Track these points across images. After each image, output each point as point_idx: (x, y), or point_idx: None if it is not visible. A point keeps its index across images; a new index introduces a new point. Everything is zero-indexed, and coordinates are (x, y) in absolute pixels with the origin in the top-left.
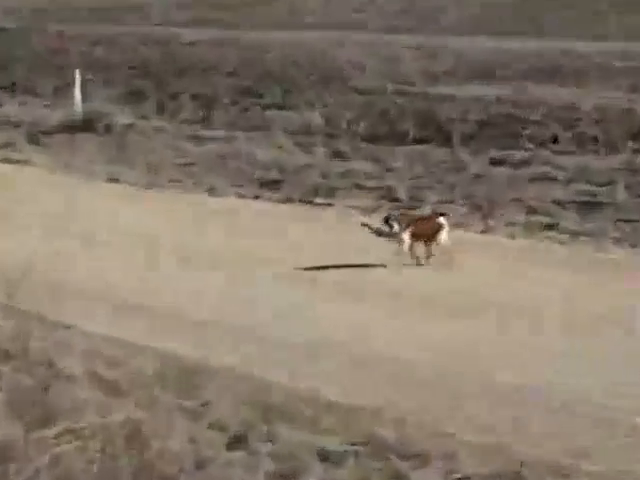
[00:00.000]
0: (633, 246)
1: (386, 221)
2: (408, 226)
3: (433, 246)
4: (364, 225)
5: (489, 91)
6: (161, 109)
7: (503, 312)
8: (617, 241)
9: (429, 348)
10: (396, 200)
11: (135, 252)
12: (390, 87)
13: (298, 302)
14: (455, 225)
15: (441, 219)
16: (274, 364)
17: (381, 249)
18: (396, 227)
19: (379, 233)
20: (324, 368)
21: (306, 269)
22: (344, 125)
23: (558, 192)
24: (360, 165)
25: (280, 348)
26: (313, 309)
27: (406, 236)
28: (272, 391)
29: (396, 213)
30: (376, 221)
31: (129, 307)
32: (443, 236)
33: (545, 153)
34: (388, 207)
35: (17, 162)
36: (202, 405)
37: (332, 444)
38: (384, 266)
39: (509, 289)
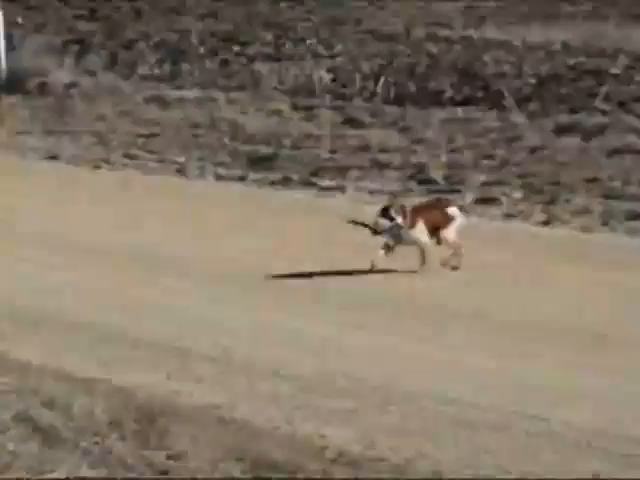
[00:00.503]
0: None
1: (384, 213)
2: (417, 218)
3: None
4: (353, 223)
5: (553, 35)
6: (113, 62)
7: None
8: None
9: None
10: (428, 182)
11: (76, 263)
12: (419, 31)
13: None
14: (507, 215)
15: (453, 209)
16: (263, 401)
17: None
18: (399, 220)
19: (376, 230)
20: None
21: (293, 276)
22: (358, 82)
23: None
24: (380, 135)
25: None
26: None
27: (423, 231)
28: (262, 438)
29: (399, 202)
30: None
31: (70, 326)
32: (451, 232)
33: (627, 118)
34: (418, 192)
35: None
36: (172, 458)
37: None
38: (414, 272)
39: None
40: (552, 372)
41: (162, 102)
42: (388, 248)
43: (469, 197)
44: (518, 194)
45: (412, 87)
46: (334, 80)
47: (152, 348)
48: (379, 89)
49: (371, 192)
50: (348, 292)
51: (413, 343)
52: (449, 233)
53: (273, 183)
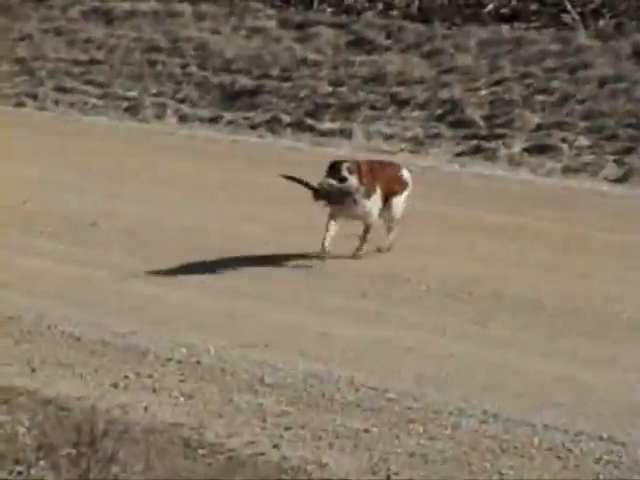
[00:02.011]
0: None
1: (333, 172)
2: (374, 183)
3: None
4: (286, 178)
5: None
6: None
7: None
8: None
9: None
10: (463, 124)
11: None
12: None
13: None
14: (568, 169)
15: (406, 172)
16: (242, 419)
17: None
18: (353, 181)
19: (317, 192)
20: None
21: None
22: None
23: None
24: (398, 62)
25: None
26: None
27: (376, 204)
28: (240, 468)
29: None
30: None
31: None
32: (400, 206)
33: None
34: (449, 137)
35: None
36: None
37: None
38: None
39: None
40: None
41: (107, 16)
42: (317, 194)
43: (518, 145)
44: (583, 141)
45: None
46: None
47: (93, 347)
48: None
49: (387, 137)
50: (344, 272)
51: (444, 339)
52: (398, 207)
53: (255, 127)
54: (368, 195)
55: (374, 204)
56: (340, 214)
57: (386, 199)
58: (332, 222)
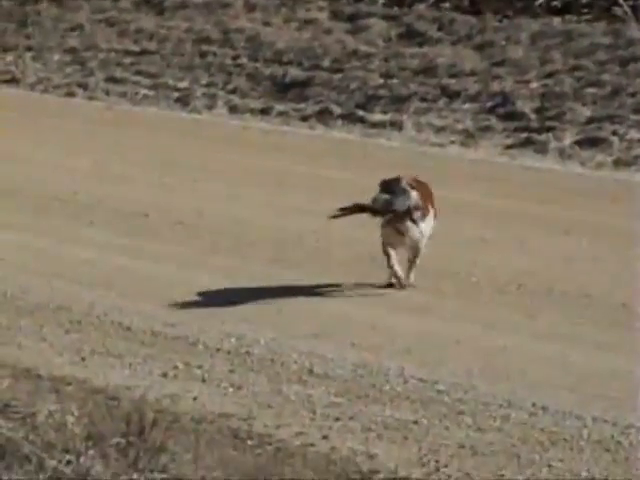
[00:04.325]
0: None
1: (386, 189)
2: (426, 202)
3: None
4: (339, 215)
5: None
6: None
7: None
8: None
9: None
10: (513, 117)
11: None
12: None
13: None
14: (619, 163)
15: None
16: (291, 409)
17: None
18: (414, 197)
19: (377, 211)
20: None
21: None
22: None
23: None
24: (449, 54)
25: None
26: None
27: (429, 226)
28: (289, 459)
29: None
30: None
31: (26, 306)
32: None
33: None
34: (499, 129)
35: None
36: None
37: None
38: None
39: None
40: None
41: (158, 7)
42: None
43: (568, 138)
44: (634, 134)
45: None
46: None
47: (142, 337)
48: None
49: (437, 130)
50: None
51: (494, 332)
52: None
53: (306, 118)
54: (424, 216)
55: (428, 226)
56: (396, 237)
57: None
58: (392, 252)
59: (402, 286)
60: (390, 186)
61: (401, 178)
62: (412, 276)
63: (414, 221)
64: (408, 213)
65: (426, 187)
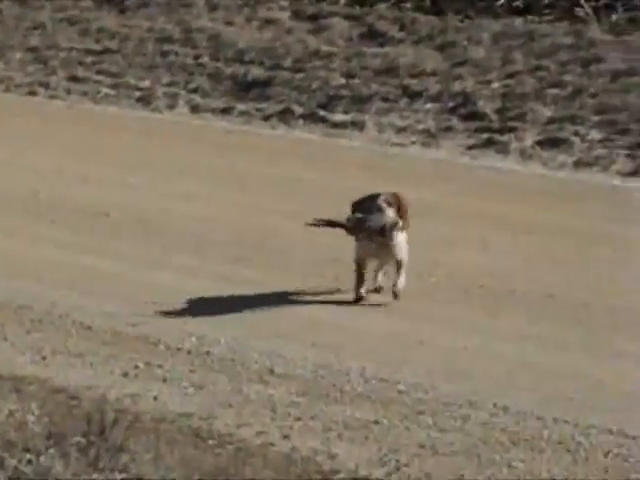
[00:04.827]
0: None
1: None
2: (405, 217)
3: None
4: (316, 225)
5: None
6: None
7: None
8: None
9: None
10: (475, 117)
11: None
12: None
13: None
14: (580, 163)
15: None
16: (252, 409)
17: None
18: (391, 215)
19: (349, 227)
20: None
21: None
22: None
23: None
24: (411, 54)
25: None
26: None
27: (405, 242)
28: (250, 459)
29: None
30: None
31: None
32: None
33: None
34: (460, 130)
35: None
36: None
37: None
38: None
39: None
40: None
41: (120, 6)
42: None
43: (529, 138)
44: (595, 135)
45: None
46: None
47: (104, 337)
48: None
49: (399, 130)
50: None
51: (455, 332)
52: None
53: (267, 118)
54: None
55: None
56: (374, 253)
57: None
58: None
59: (357, 299)
60: (365, 205)
61: (377, 196)
62: (400, 284)
63: (390, 238)
64: (383, 231)
65: (402, 202)
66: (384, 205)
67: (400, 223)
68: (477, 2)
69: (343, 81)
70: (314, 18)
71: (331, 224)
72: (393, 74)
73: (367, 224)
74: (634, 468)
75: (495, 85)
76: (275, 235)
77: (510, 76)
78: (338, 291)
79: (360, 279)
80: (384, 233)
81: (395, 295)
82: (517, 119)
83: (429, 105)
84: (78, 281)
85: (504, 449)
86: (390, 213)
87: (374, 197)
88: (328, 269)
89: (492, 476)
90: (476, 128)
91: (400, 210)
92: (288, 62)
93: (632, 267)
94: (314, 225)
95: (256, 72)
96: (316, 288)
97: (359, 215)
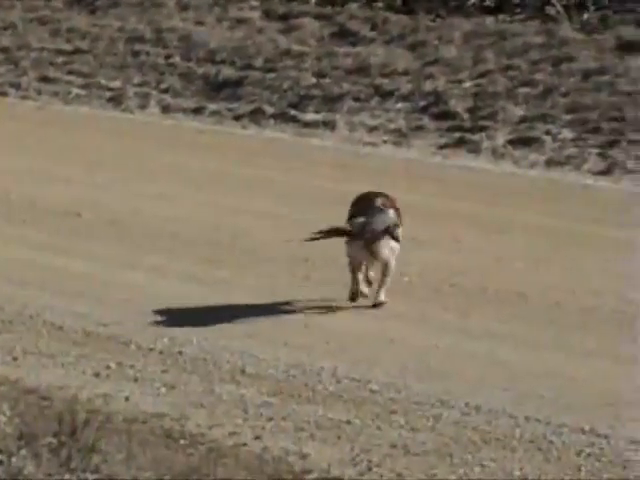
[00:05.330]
0: None
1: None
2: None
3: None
4: (316, 239)
5: None
6: None
7: None
8: None
9: None
10: (446, 116)
11: None
12: None
13: None
14: (551, 162)
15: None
16: (224, 409)
17: None
18: (392, 216)
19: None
20: None
21: None
22: None
23: None
24: (382, 54)
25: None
26: None
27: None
28: (222, 458)
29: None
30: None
31: None
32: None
33: None
34: (432, 129)
35: None
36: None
37: None
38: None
39: None
40: None
41: (91, 6)
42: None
43: (501, 137)
44: (567, 134)
45: None
46: None
47: (75, 337)
48: None
49: (370, 129)
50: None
51: (427, 331)
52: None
53: (239, 117)
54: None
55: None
56: (365, 256)
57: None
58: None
59: (353, 297)
60: (365, 207)
61: (375, 199)
62: (382, 294)
63: (396, 239)
64: (386, 232)
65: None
66: (384, 207)
67: (400, 224)
68: (448, 1)
69: (314, 81)
70: (285, 18)
71: (332, 233)
72: (364, 73)
73: (371, 227)
74: (606, 467)
75: (466, 84)
76: (246, 235)
77: (481, 75)
78: (309, 289)
79: (355, 279)
80: (393, 235)
81: (375, 306)
82: (488, 118)
83: (400, 104)
84: (49, 281)
85: (476, 448)
86: (391, 214)
87: (371, 199)
88: (299, 269)
89: (464, 475)
90: (448, 127)
91: (397, 211)
92: (259, 62)
93: (604, 266)
94: (313, 239)
95: (227, 72)
96: (287, 287)
97: (361, 219)
